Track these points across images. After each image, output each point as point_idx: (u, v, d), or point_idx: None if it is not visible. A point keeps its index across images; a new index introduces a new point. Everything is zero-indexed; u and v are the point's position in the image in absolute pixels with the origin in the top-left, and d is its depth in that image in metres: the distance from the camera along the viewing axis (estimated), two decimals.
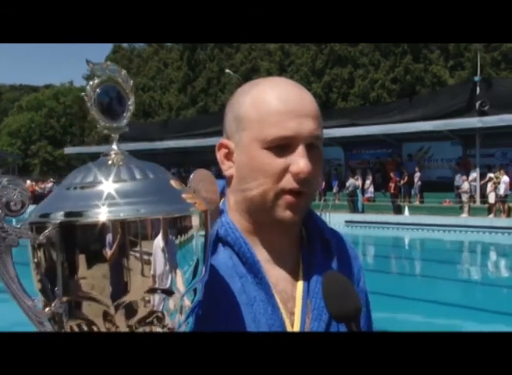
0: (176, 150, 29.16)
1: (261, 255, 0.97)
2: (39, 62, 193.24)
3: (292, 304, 0.96)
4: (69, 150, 39.33)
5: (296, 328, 0.94)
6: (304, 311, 0.95)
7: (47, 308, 0.66)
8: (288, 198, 0.92)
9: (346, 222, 20.16)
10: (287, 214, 0.93)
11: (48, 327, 0.67)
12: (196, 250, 0.70)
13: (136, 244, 0.63)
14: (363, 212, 21.61)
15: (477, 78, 22.12)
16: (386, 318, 6.95)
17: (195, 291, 0.72)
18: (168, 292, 0.66)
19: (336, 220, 20.25)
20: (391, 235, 18.41)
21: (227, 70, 31.55)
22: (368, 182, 22.85)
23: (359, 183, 22.50)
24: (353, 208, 21.86)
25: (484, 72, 24.21)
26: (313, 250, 1.01)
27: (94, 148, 32.77)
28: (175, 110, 36.83)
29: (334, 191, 23.48)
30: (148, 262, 0.64)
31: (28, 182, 32.24)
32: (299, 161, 0.90)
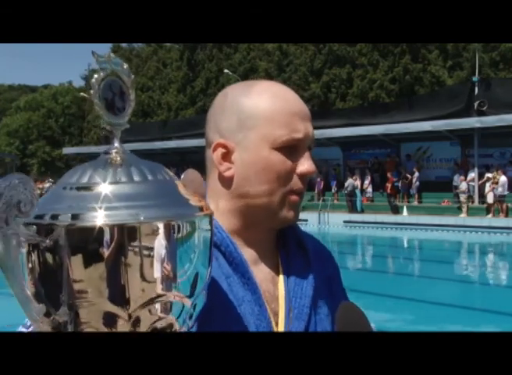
0: (175, 150, 29.16)
1: (246, 255, 0.96)
2: (37, 62, 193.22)
3: (275, 304, 0.95)
4: (67, 150, 39.34)
5: (281, 328, 0.94)
6: (287, 311, 0.95)
7: (51, 317, 0.61)
8: (294, 198, 0.94)
9: (345, 222, 20.17)
10: (291, 214, 0.95)
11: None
12: (199, 255, 0.66)
13: (136, 250, 0.59)
14: (362, 211, 21.63)
15: (475, 78, 22.16)
16: (383, 318, 6.95)
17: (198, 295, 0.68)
18: (171, 297, 0.63)
19: (335, 220, 20.30)
20: (390, 235, 18.43)
21: (226, 70, 31.53)
22: (366, 182, 22.87)
23: (358, 183, 22.51)
24: (352, 208, 21.87)
25: (482, 72, 24.24)
26: (290, 250, 1.02)
27: (92, 149, 32.82)
28: (174, 110, 36.82)
29: (333, 191, 23.50)
30: (149, 268, 0.60)
31: None
32: (305, 162, 0.94)
